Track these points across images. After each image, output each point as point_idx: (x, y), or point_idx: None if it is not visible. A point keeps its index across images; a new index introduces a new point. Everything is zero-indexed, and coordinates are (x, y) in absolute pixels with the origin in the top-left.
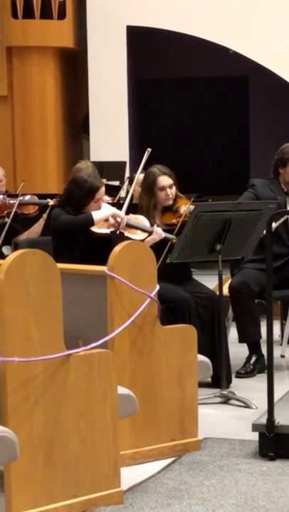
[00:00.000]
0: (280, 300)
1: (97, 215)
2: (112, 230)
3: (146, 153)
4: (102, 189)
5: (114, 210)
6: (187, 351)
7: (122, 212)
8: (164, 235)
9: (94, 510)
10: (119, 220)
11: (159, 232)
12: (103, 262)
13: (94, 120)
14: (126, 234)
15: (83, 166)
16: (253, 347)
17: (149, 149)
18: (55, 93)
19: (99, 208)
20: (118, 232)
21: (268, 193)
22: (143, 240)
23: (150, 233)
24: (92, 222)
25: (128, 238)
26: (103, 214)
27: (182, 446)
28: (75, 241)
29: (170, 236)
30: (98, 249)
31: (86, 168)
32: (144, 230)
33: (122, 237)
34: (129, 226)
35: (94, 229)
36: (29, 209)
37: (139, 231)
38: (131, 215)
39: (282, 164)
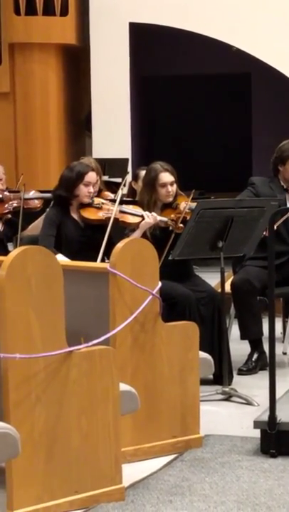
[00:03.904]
0: (282, 297)
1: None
2: (105, 217)
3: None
4: (91, 173)
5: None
6: (189, 348)
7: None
8: (158, 218)
9: (95, 506)
10: None
11: (153, 216)
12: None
13: (96, 117)
14: (120, 219)
15: (86, 162)
16: (254, 344)
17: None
18: (57, 90)
19: (89, 193)
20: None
21: (267, 191)
22: (138, 224)
23: (142, 217)
24: None
25: (122, 222)
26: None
27: (184, 443)
28: (68, 232)
29: (164, 219)
30: (94, 235)
31: (89, 163)
32: (136, 215)
33: (117, 223)
34: (122, 212)
35: (87, 216)
36: (34, 203)
37: (130, 216)
38: (124, 206)
39: (281, 162)
